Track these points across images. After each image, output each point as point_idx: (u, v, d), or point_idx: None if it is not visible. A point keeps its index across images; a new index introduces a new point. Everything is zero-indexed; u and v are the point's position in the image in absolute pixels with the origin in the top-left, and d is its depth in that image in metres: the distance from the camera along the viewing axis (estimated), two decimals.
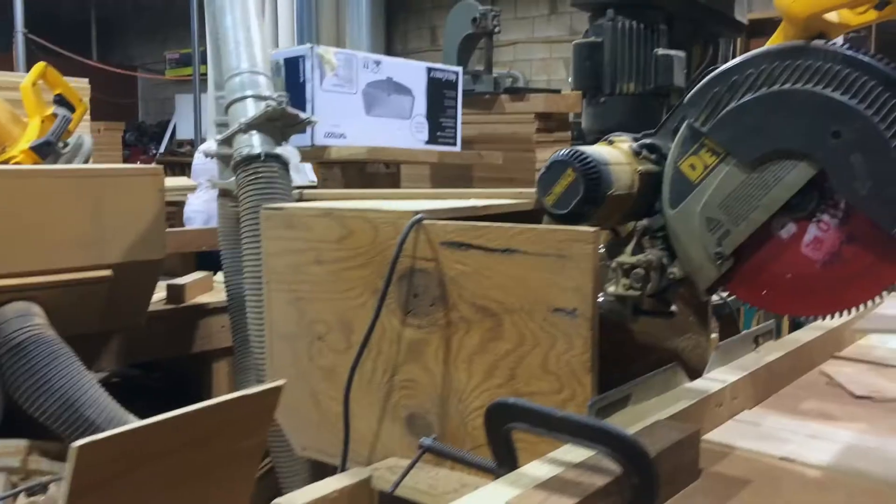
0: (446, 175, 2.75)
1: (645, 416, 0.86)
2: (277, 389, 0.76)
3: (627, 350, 1.27)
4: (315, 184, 2.55)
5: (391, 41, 9.27)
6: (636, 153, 1.06)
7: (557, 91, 3.01)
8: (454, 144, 2.53)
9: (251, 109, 1.58)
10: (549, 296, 0.95)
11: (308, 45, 2.13)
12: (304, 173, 2.73)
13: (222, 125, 1.63)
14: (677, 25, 1.78)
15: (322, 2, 7.73)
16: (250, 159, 1.52)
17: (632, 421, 0.84)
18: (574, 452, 0.74)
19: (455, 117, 2.51)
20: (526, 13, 7.84)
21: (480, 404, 1.02)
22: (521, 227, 0.97)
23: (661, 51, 1.67)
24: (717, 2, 1.75)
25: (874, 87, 0.85)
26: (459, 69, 2.53)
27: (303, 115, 1.57)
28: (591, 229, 0.94)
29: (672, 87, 1.64)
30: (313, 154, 2.16)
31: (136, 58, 12.18)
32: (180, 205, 3.41)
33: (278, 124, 1.57)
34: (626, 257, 1.05)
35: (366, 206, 1.14)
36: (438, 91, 2.46)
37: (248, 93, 1.59)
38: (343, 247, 1.14)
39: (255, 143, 1.54)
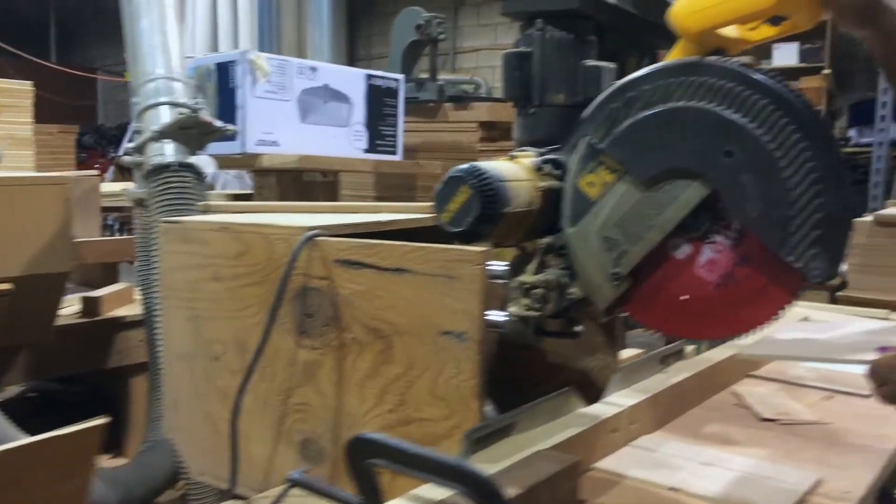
0: (389, 184, 2.71)
1: (528, 446, 0.82)
2: (97, 429, 0.71)
3: (536, 370, 1.24)
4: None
5: (354, 46, 9.23)
6: (538, 169, 1.04)
7: (501, 100, 2.99)
8: (394, 153, 2.49)
9: (165, 117, 1.52)
10: (438, 318, 0.91)
11: (240, 51, 2.08)
12: (244, 181, 2.67)
13: (137, 132, 1.58)
14: (609, 37, 1.76)
15: (283, 6, 7.67)
16: (162, 168, 1.46)
17: (512, 452, 0.81)
18: (439, 490, 0.70)
19: (396, 125, 2.47)
20: (489, 20, 7.84)
21: (372, 430, 0.98)
22: (413, 246, 0.94)
23: (590, 62, 1.64)
24: (653, 13, 1.73)
25: (766, 106, 0.83)
26: (401, 77, 2.49)
27: (218, 124, 1.52)
28: (479, 249, 0.90)
29: None
30: (244, 162, 2.11)
31: (95, 59, 11.98)
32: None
33: (194, 132, 1.52)
34: (527, 276, 1.02)
35: (262, 221, 1.09)
36: (379, 99, 2.42)
37: (163, 99, 1.54)
38: (240, 263, 1.09)
39: (167, 151, 1.49)
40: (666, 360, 1.15)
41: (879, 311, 2.55)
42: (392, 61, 2.79)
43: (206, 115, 1.52)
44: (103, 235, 3.13)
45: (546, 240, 1.05)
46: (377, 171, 2.41)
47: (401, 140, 2.50)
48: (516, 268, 1.06)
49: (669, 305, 0.93)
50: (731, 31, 0.91)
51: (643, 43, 1.95)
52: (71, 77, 9.90)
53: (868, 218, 3.46)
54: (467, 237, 0.99)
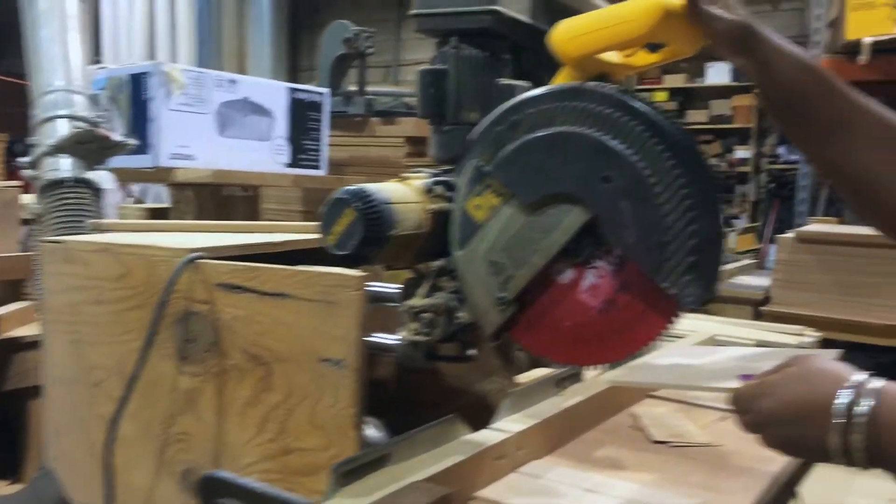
0: (316, 199, 2.68)
1: (403, 477, 0.80)
2: None
3: (434, 393, 1.22)
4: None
5: (297, 56, 9.16)
6: (428, 191, 1.02)
7: None
8: (318, 167, 2.46)
9: (62, 130, 1.47)
10: (317, 344, 0.89)
11: (154, 62, 2.03)
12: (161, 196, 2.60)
13: (33, 146, 1.52)
14: (525, 55, 1.76)
15: (224, 15, 7.57)
16: (56, 184, 1.41)
17: (386, 483, 0.79)
18: None
19: (320, 140, 2.44)
20: None
21: (253, 460, 0.95)
22: (293, 270, 0.91)
23: (504, 80, 1.64)
24: None
25: (642, 132, 0.83)
26: (326, 90, 2.46)
27: (117, 138, 1.47)
28: (359, 274, 0.88)
29: None
30: (158, 176, 2.05)
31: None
32: None
33: (92, 146, 1.47)
34: (416, 300, 1.01)
35: (144, 242, 1.05)
36: (302, 112, 2.38)
37: (61, 112, 1.48)
38: (121, 286, 1.05)
39: (62, 166, 1.43)
40: (562, 383, 1.14)
41: (795, 327, 2.61)
42: (321, 75, 2.76)
43: (105, 130, 1.47)
44: (26, 250, 3.01)
45: (438, 263, 1.03)
46: (300, 186, 2.37)
47: (325, 154, 2.47)
48: (407, 291, 1.04)
49: (554, 330, 0.92)
50: (613, 57, 0.91)
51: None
52: (2, 84, 9.60)
53: (791, 234, 3.56)
54: (353, 260, 0.97)
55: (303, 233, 1.22)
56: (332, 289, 0.87)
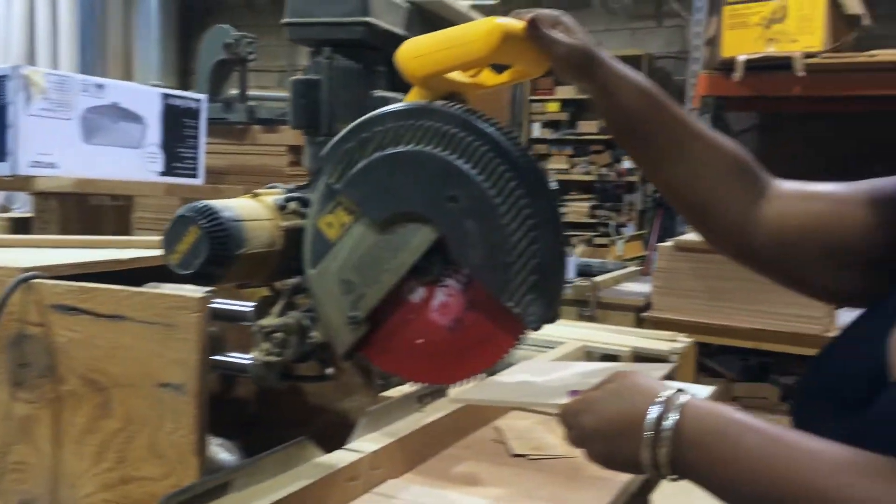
0: None
1: None
2: None
3: (296, 412, 1.20)
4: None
5: (189, 59, 8.88)
6: (281, 207, 1.00)
7: None
8: (195, 176, 2.39)
9: None
10: (156, 368, 0.85)
11: (12, 65, 1.91)
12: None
13: None
14: None
15: (108, 18, 7.27)
16: None
17: None
18: None
19: (196, 147, 2.37)
20: None
21: (91, 490, 0.90)
22: (131, 291, 0.87)
23: (378, 92, 1.64)
24: None
25: (486, 153, 0.83)
26: (202, 97, 2.39)
27: None
28: (198, 295, 0.85)
29: None
30: (17, 184, 1.94)
31: None
32: None
33: None
34: (268, 319, 0.98)
35: None
36: (176, 119, 2.30)
37: None
38: None
39: None
40: (423, 399, 1.14)
41: (669, 333, 2.72)
42: (199, 80, 2.68)
43: None
44: None
45: (293, 280, 1.01)
46: (175, 195, 2.29)
47: (202, 162, 2.39)
48: (261, 310, 1.02)
49: (405, 349, 0.92)
50: (462, 77, 0.92)
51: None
52: None
53: (670, 243, 3.71)
54: (199, 279, 0.93)
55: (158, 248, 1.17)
56: (171, 311, 0.84)
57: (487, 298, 0.86)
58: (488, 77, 0.92)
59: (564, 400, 0.73)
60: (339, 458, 0.94)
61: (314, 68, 1.69)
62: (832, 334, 0.79)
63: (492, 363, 0.88)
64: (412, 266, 0.89)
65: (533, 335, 2.32)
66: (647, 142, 0.86)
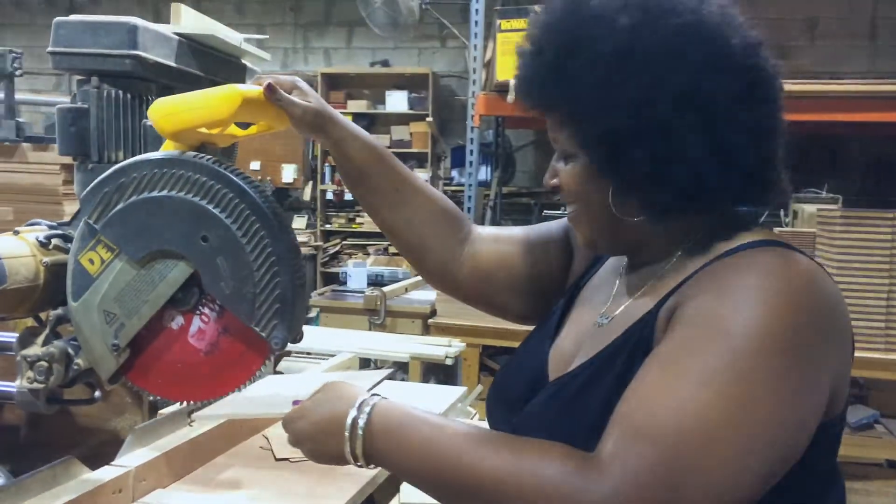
0: None
1: None
2: None
3: (70, 434, 1.25)
4: None
5: None
6: (43, 244, 1.07)
7: None
8: None
9: None
10: None
11: None
12: None
13: None
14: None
15: None
16: None
17: None
18: None
19: None
20: (277, 44, 7.14)
21: None
22: None
23: (149, 121, 1.69)
24: (218, 71, 1.79)
25: (232, 198, 0.96)
26: None
27: None
28: None
29: None
30: None
31: None
32: None
33: None
34: (32, 349, 1.05)
35: None
36: None
37: None
38: None
39: None
40: (191, 415, 1.24)
41: (445, 339, 2.96)
42: None
43: None
44: None
45: (57, 311, 1.08)
46: None
47: None
48: (25, 340, 1.08)
49: (167, 372, 1.02)
50: (211, 131, 1.04)
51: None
52: None
53: None
54: None
55: None
56: None
57: (239, 324, 0.99)
58: (237, 130, 1.05)
59: (287, 409, 0.87)
60: (105, 473, 1.02)
61: (82, 96, 1.72)
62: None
63: (244, 381, 1.01)
64: (170, 297, 1.00)
65: (313, 346, 2.46)
66: (372, 189, 1.03)
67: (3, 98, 2.58)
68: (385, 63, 6.80)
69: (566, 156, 0.85)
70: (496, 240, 1.05)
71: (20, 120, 2.64)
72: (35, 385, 1.03)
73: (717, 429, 0.67)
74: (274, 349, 0.98)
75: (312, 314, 4.57)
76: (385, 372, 1.05)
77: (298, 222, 6.87)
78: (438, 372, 3.94)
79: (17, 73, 2.56)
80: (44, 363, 1.03)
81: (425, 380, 3.72)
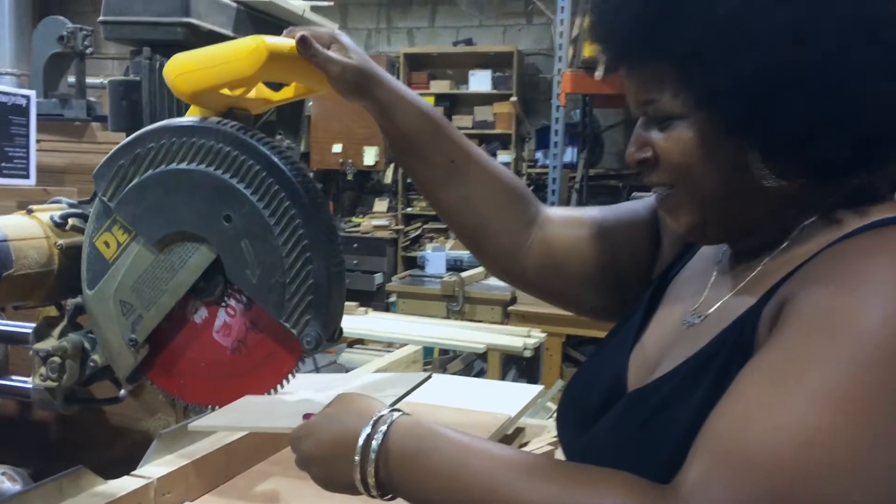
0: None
1: None
2: None
3: (101, 433, 1.15)
4: None
5: None
6: (59, 224, 0.95)
7: None
8: (26, 176, 2.25)
9: None
10: None
11: None
12: None
13: None
14: None
15: None
16: None
17: None
18: None
19: (27, 146, 2.23)
20: (360, 24, 7.12)
21: None
22: None
23: None
24: None
25: (259, 171, 0.82)
26: (31, 93, 2.25)
27: None
28: None
29: None
30: None
31: None
32: None
33: None
34: (45, 343, 0.93)
35: None
36: (3, 117, 2.16)
37: None
38: None
39: None
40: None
41: (524, 328, 2.78)
42: (32, 75, 2.52)
43: None
44: None
45: (76, 300, 0.97)
46: (4, 198, 2.15)
47: (33, 162, 2.26)
48: (41, 331, 0.96)
49: (189, 371, 0.89)
50: (239, 92, 0.90)
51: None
52: None
53: None
54: None
55: None
56: None
57: (268, 319, 0.84)
58: (269, 92, 0.91)
59: (296, 424, 0.72)
60: (122, 485, 0.90)
61: (134, 68, 1.62)
62: None
63: (274, 384, 0.86)
64: (192, 286, 0.86)
65: (385, 335, 2.32)
66: (424, 161, 0.86)
67: (75, 77, 2.55)
68: (469, 42, 6.60)
69: (664, 120, 0.67)
70: (568, 223, 0.87)
71: (91, 100, 2.60)
72: (47, 383, 0.92)
73: (836, 461, 0.50)
74: (306, 348, 0.83)
75: (392, 299, 4.47)
76: (423, 376, 0.89)
77: (379, 205, 6.80)
78: (519, 362, 3.77)
79: (88, 51, 2.52)
80: (56, 359, 0.91)
81: (505, 370, 3.56)
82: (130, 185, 0.87)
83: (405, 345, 2.16)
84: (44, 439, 1.14)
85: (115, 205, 0.87)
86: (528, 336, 2.72)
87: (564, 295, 0.88)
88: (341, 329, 0.87)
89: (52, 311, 1.01)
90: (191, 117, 0.86)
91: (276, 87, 0.90)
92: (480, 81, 6.51)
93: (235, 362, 0.87)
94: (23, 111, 2.22)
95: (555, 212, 0.89)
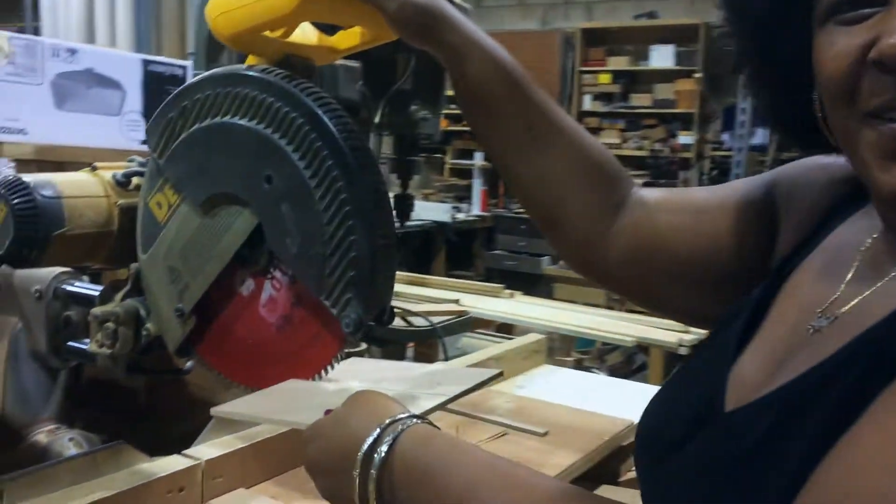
0: None
1: None
2: None
3: (180, 406, 1.11)
4: None
5: None
6: (121, 183, 0.90)
7: None
8: None
9: None
10: None
11: None
12: None
13: None
14: None
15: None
16: None
17: None
18: None
19: None
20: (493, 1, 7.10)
21: None
22: None
23: None
24: None
25: (301, 125, 0.71)
26: (187, 63, 2.32)
27: None
28: None
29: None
30: None
31: None
32: None
33: None
34: (103, 307, 0.89)
35: None
36: (160, 86, 2.23)
37: None
38: None
39: None
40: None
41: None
42: (196, 51, 2.60)
43: None
44: None
45: (137, 264, 0.92)
46: None
47: None
48: (106, 295, 0.92)
49: (237, 349, 0.81)
50: (307, 39, 0.79)
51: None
52: None
53: None
54: (10, 261, 0.85)
55: None
56: None
57: (312, 295, 0.74)
58: (326, 39, 0.80)
59: (313, 419, 0.61)
60: (166, 464, 0.84)
61: None
62: None
63: (318, 370, 0.76)
64: (236, 253, 0.78)
65: (521, 317, 2.16)
66: (495, 123, 0.72)
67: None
68: (652, 14, 6.23)
69: None
70: (664, 206, 0.70)
71: None
72: (102, 350, 0.87)
73: None
74: (345, 331, 0.72)
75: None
76: (491, 373, 0.74)
77: None
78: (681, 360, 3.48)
79: None
80: (111, 325, 0.86)
81: (668, 367, 3.30)
82: (178, 141, 0.79)
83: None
84: (131, 406, 1.12)
85: (164, 162, 0.80)
86: (686, 332, 2.46)
87: (653, 295, 0.71)
88: (392, 311, 0.75)
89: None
90: (238, 66, 0.77)
91: (331, 31, 0.79)
92: (662, 57, 6.12)
93: (279, 341, 0.78)
94: (179, 81, 2.29)
95: (650, 193, 0.72)
